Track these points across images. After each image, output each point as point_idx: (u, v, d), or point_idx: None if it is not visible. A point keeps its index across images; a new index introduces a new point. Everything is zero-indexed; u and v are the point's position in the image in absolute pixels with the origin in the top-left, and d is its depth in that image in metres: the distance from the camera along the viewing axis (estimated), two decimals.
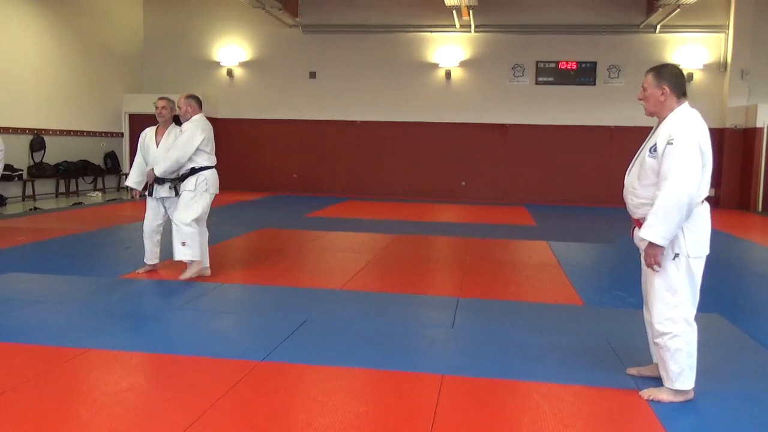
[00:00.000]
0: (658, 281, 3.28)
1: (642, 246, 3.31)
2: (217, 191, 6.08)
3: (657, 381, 3.39)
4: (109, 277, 6.03)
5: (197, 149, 5.77)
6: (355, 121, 15.99)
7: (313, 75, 16.30)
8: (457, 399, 3.34)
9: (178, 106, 5.91)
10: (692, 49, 14.92)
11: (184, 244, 5.80)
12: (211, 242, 8.19)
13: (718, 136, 14.48)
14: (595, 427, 3.05)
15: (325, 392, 3.37)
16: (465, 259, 7.47)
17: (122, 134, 16.31)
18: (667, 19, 14.22)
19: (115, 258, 7.24)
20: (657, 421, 3.09)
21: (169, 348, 4.03)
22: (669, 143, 3.16)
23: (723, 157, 14.56)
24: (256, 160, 16.71)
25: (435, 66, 15.89)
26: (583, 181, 15.36)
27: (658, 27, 14.78)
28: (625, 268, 6.58)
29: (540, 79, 15.58)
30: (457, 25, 15.31)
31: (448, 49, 15.79)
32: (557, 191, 15.58)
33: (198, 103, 5.93)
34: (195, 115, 5.89)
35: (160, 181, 5.99)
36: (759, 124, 14.04)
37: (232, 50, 16.52)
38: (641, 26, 14.92)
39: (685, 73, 14.12)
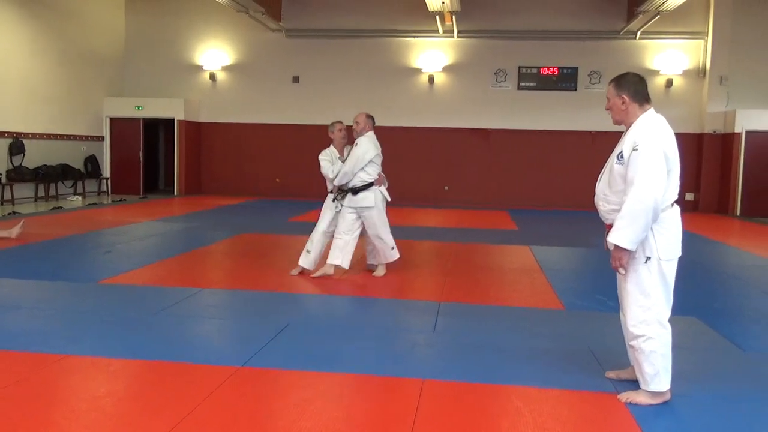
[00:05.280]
0: (632, 285, 3.33)
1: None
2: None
3: (635, 384, 3.43)
4: (89, 283, 5.97)
5: (371, 162, 6.30)
6: None
7: (296, 79, 16.29)
8: (438, 403, 3.35)
9: (356, 122, 6.41)
10: (672, 55, 15.11)
11: (393, 248, 6.46)
12: (193, 247, 8.18)
13: (697, 141, 14.70)
14: (573, 431, 3.07)
15: (305, 397, 3.36)
16: (447, 264, 7.49)
17: (103, 138, 16.18)
18: (647, 25, 14.39)
19: (95, 263, 7.17)
20: (635, 424, 3.12)
21: (149, 354, 3.99)
22: (634, 149, 3.23)
23: (702, 161, 14.76)
24: (238, 164, 16.66)
25: (418, 71, 15.95)
26: (564, 185, 15.47)
27: (639, 33, 14.95)
28: (605, 273, 6.60)
29: (522, 84, 15.69)
30: (440, 31, 15.38)
31: (431, 54, 15.85)
32: (539, 196, 15.68)
33: (373, 122, 6.51)
34: (369, 131, 6.41)
35: (354, 191, 6.35)
36: (737, 130, 14.25)
37: (214, 54, 16.47)
38: (622, 32, 15.08)
39: (664, 79, 14.23)
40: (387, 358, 4.03)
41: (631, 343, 3.36)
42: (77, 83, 15.09)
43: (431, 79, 15.91)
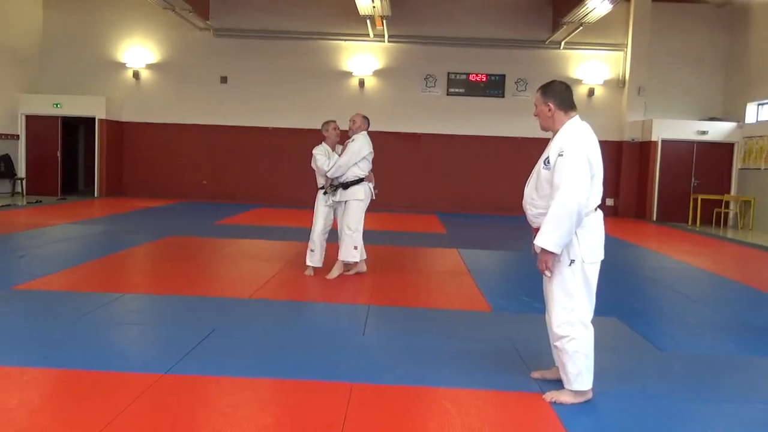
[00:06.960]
0: (556, 287, 3.41)
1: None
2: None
3: (559, 384, 3.51)
4: (1, 289, 5.66)
5: (364, 158, 6.69)
6: (267, 127, 15.79)
7: (224, 80, 16.00)
8: (367, 407, 3.33)
9: (353, 120, 6.78)
10: (594, 66, 15.70)
11: (356, 248, 6.67)
12: (113, 250, 7.90)
13: (617, 149, 15.29)
14: (500, 430, 3.11)
15: (231, 404, 3.28)
16: (376, 267, 7.50)
17: (18, 136, 15.42)
18: (571, 36, 14.90)
19: (8, 267, 6.80)
20: (558, 422, 3.19)
21: (65, 362, 3.81)
22: (560, 155, 3.32)
23: (621, 168, 15.36)
24: (163, 165, 16.21)
25: (349, 74, 15.95)
26: (492, 189, 15.80)
27: (563, 44, 15.46)
28: (530, 275, 6.77)
29: (451, 90, 15.95)
30: (371, 35, 15.44)
31: (362, 58, 15.89)
32: (467, 200, 15.95)
33: (368, 123, 6.88)
34: (364, 131, 6.78)
35: (344, 186, 6.71)
36: (654, 138, 14.92)
37: (138, 51, 15.98)
38: (547, 42, 15.55)
39: (586, 88, 14.74)
40: (315, 363, 3.98)
41: (556, 343, 3.45)
42: None
43: (362, 83, 15.93)
